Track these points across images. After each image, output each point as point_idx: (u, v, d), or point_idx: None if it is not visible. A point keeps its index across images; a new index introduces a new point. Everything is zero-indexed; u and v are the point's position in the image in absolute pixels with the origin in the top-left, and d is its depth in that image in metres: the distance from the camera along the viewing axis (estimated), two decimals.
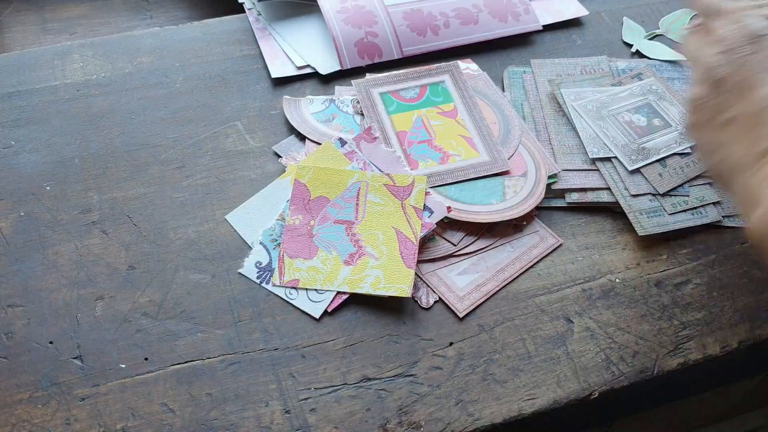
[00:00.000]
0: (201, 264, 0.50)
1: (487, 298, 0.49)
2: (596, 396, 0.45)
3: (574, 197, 0.55)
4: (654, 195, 0.54)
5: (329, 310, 0.47)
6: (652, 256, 0.52)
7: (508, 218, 0.52)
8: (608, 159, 0.56)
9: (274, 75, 0.62)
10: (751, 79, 0.39)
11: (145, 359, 0.45)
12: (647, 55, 0.66)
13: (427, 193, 0.52)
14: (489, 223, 0.52)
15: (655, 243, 0.53)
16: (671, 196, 0.54)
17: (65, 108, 0.59)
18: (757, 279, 0.51)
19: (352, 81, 0.60)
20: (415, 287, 0.49)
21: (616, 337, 0.48)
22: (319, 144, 0.55)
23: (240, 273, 0.49)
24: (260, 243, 0.50)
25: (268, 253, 0.50)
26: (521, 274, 0.51)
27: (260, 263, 0.49)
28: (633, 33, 0.68)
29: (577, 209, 0.55)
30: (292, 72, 0.62)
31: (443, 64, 0.62)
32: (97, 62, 0.62)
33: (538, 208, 0.53)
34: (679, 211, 0.54)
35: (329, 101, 0.59)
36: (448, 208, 0.51)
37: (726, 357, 0.48)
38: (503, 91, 0.62)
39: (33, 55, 0.63)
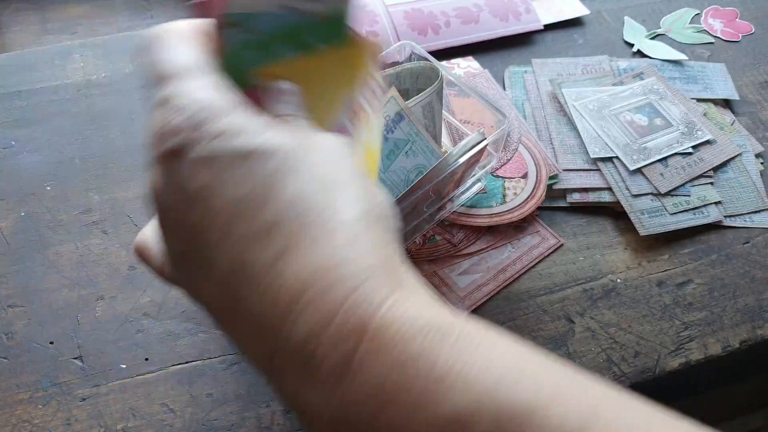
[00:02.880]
0: None
1: (488, 299, 0.49)
2: None
3: (575, 197, 0.55)
4: (655, 195, 0.54)
5: None
6: (653, 256, 0.52)
7: (508, 221, 0.52)
8: (609, 159, 0.56)
9: None
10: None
11: (146, 359, 0.45)
12: (648, 54, 0.66)
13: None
14: None
15: (656, 243, 0.53)
16: (673, 195, 0.54)
17: (66, 108, 0.59)
18: (758, 279, 0.51)
19: None
20: None
21: (618, 337, 0.48)
22: None
23: None
24: None
25: None
26: (522, 274, 0.51)
27: None
28: (634, 32, 0.68)
29: (579, 209, 0.55)
30: None
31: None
32: (97, 62, 0.62)
33: (539, 208, 0.53)
34: (681, 211, 0.54)
35: None
36: None
37: (727, 357, 0.48)
38: (504, 90, 0.62)
39: (34, 55, 0.63)
